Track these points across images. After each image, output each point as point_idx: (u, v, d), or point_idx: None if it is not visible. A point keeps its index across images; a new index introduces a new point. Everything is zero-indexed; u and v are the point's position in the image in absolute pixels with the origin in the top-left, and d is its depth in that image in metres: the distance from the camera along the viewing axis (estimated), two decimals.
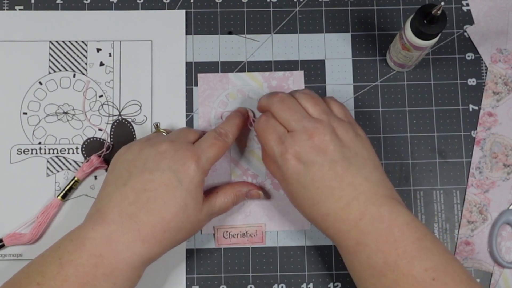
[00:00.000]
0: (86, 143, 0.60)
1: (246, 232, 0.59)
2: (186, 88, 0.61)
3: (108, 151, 0.60)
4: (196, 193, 0.51)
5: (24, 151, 0.60)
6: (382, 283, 0.47)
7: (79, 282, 0.47)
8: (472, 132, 0.61)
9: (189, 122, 0.61)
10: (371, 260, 0.47)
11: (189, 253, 0.59)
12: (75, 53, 0.62)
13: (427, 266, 0.46)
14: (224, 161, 0.60)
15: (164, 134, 0.55)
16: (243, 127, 0.58)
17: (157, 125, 0.56)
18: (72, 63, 0.61)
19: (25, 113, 0.60)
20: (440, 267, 0.46)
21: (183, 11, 0.63)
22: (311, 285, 0.59)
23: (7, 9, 0.62)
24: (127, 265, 0.48)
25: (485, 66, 0.62)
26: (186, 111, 0.61)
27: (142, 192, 0.49)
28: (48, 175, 0.60)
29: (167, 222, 0.49)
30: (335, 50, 0.63)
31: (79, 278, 0.47)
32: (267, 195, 0.59)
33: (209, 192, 0.56)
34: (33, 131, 0.60)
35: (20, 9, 0.62)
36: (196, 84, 0.62)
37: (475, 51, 0.63)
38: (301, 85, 0.62)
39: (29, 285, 0.47)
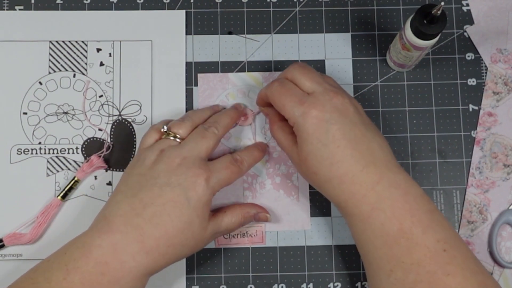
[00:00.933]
0: (86, 143, 0.60)
1: (246, 232, 0.59)
2: (186, 88, 0.62)
3: (108, 151, 0.60)
4: (202, 212, 0.51)
5: (24, 151, 0.60)
6: (394, 252, 0.47)
7: None
8: (472, 132, 0.61)
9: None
10: (385, 227, 0.47)
11: None
12: (75, 53, 0.62)
13: (439, 237, 0.46)
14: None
15: (176, 140, 0.54)
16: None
17: (167, 130, 0.54)
18: (72, 63, 0.61)
19: (25, 113, 0.60)
20: (450, 240, 0.47)
21: (183, 11, 0.63)
22: (311, 285, 0.59)
23: (7, 9, 0.62)
24: (132, 275, 0.48)
25: (485, 66, 0.62)
26: (186, 111, 0.61)
27: (149, 205, 0.49)
28: (48, 175, 0.60)
29: (171, 238, 0.49)
30: (335, 50, 0.63)
31: (85, 285, 0.47)
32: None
33: (217, 210, 0.55)
34: (33, 131, 0.60)
35: (20, 9, 0.62)
36: (196, 84, 0.62)
37: (475, 51, 0.63)
38: None
39: None
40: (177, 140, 0.54)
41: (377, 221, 0.48)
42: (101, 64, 0.62)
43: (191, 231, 0.50)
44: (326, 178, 0.50)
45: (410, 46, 0.55)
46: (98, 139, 0.60)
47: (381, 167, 0.49)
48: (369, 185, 0.48)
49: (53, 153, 0.60)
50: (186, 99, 0.61)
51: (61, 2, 0.63)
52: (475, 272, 0.46)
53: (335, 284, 0.59)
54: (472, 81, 0.62)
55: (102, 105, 0.61)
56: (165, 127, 0.54)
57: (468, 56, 0.63)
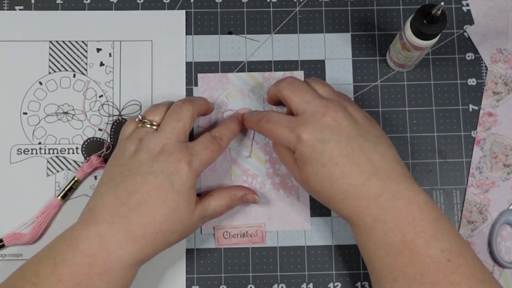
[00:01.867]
0: (86, 143, 0.60)
1: (246, 232, 0.59)
2: (186, 88, 0.62)
3: (108, 151, 0.60)
4: (188, 196, 0.51)
5: (24, 151, 0.60)
6: (397, 262, 0.47)
7: (74, 282, 0.47)
8: (472, 132, 0.61)
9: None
10: (388, 238, 0.47)
11: (189, 253, 0.59)
12: (75, 53, 0.62)
13: (443, 247, 0.46)
14: (224, 161, 0.60)
15: (152, 127, 0.53)
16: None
17: (142, 118, 0.54)
18: (72, 63, 0.61)
19: (25, 113, 0.60)
20: (455, 249, 0.46)
21: (183, 11, 0.63)
22: (311, 285, 0.59)
23: (7, 9, 0.62)
24: (120, 264, 0.48)
25: (485, 66, 0.62)
26: None
27: (134, 194, 0.49)
28: (48, 175, 0.60)
29: (158, 224, 0.49)
30: (335, 50, 0.63)
31: (74, 277, 0.47)
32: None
33: (204, 194, 0.55)
34: (33, 131, 0.60)
35: (20, 9, 0.62)
36: (196, 84, 0.62)
37: (475, 51, 0.63)
38: None
39: (24, 285, 0.47)
40: (154, 127, 0.54)
41: (380, 232, 0.48)
42: (101, 64, 0.62)
43: (178, 216, 0.50)
44: (329, 196, 0.50)
45: (410, 46, 0.55)
46: (98, 139, 0.60)
47: (383, 178, 0.49)
48: (371, 198, 0.48)
49: (53, 153, 0.60)
50: None
51: (61, 2, 0.63)
52: (481, 280, 0.46)
53: (335, 284, 0.59)
54: (472, 81, 0.62)
55: (102, 105, 0.61)
56: (140, 116, 0.54)
57: (468, 56, 0.63)
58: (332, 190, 0.50)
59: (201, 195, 0.56)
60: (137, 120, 0.54)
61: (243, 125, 0.58)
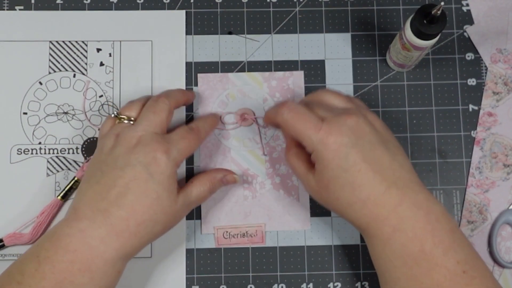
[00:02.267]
0: (86, 143, 0.60)
1: (246, 232, 0.59)
2: (186, 88, 0.62)
3: None
4: (168, 184, 0.50)
5: (24, 151, 0.60)
6: (414, 272, 0.46)
7: (56, 279, 0.47)
8: (472, 132, 0.61)
9: (189, 123, 0.61)
10: (407, 248, 0.47)
11: (189, 253, 0.59)
12: (75, 53, 0.62)
13: (459, 259, 0.46)
14: (224, 161, 0.60)
15: (129, 122, 0.54)
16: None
17: (118, 115, 0.54)
18: (72, 63, 0.61)
19: (25, 113, 0.60)
20: (470, 261, 0.46)
21: (183, 11, 0.63)
22: (311, 285, 0.59)
23: (7, 9, 0.62)
24: (103, 260, 0.48)
25: (485, 66, 0.62)
26: (186, 111, 0.61)
27: (113, 187, 0.49)
28: (48, 175, 0.60)
29: (140, 215, 0.49)
30: (335, 50, 0.63)
31: (56, 274, 0.47)
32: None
33: (185, 183, 0.55)
34: (33, 131, 0.60)
35: (20, 9, 0.62)
36: (196, 84, 0.62)
37: (475, 51, 0.63)
38: (301, 85, 0.62)
39: (9, 284, 0.47)
40: (131, 122, 0.54)
41: (398, 242, 0.47)
42: (101, 64, 0.62)
43: (160, 205, 0.50)
44: (349, 203, 0.49)
45: (410, 46, 0.55)
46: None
47: (403, 187, 0.48)
48: (391, 207, 0.48)
49: (53, 153, 0.60)
50: None
51: (61, 2, 0.63)
52: None
53: (335, 284, 0.59)
54: (472, 81, 0.62)
55: (102, 105, 0.61)
56: (115, 112, 0.55)
57: (468, 56, 0.63)
58: (353, 197, 0.48)
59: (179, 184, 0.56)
60: (113, 116, 0.55)
61: (242, 124, 0.58)
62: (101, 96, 0.61)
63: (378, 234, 0.48)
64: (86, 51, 0.62)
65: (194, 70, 0.62)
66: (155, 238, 0.51)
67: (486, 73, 0.62)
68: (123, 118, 0.54)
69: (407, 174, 0.49)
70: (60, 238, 0.48)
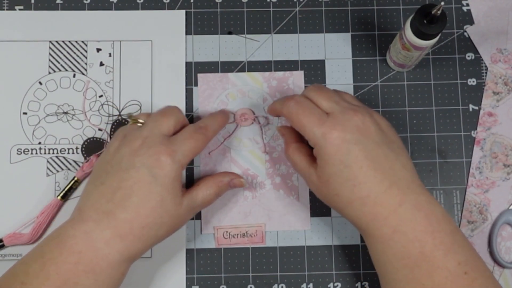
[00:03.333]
0: (86, 143, 0.60)
1: (246, 232, 0.59)
2: (186, 88, 0.62)
3: None
4: (173, 187, 0.50)
5: (24, 151, 0.60)
6: (414, 274, 0.46)
7: (61, 280, 0.47)
8: (472, 132, 0.61)
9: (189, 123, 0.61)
10: (407, 250, 0.47)
11: (189, 253, 0.59)
12: (75, 53, 0.62)
13: (460, 260, 0.46)
14: (224, 161, 0.60)
15: (137, 124, 0.54)
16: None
17: (130, 116, 0.55)
18: (72, 63, 0.61)
19: (25, 113, 0.60)
20: (471, 262, 0.46)
21: (183, 11, 0.63)
22: (311, 285, 0.59)
23: (7, 9, 0.62)
24: (107, 262, 0.48)
25: (485, 66, 0.62)
26: (186, 111, 0.61)
27: (118, 190, 0.49)
28: (48, 175, 0.60)
29: (144, 218, 0.49)
30: (335, 50, 0.63)
31: (61, 275, 0.47)
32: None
33: (190, 185, 0.55)
34: (33, 131, 0.60)
35: (20, 9, 0.62)
36: (196, 84, 0.62)
37: (475, 51, 0.63)
38: (301, 85, 0.62)
39: (13, 284, 0.47)
40: (139, 125, 0.54)
41: (399, 243, 0.47)
42: (101, 64, 0.62)
43: (164, 208, 0.50)
44: (348, 200, 0.49)
45: (410, 46, 0.55)
46: (98, 139, 0.60)
47: (403, 188, 0.48)
48: (391, 207, 0.48)
49: (53, 153, 0.60)
50: (186, 99, 0.61)
51: (61, 2, 0.63)
52: None
53: (335, 284, 0.59)
54: (472, 81, 0.62)
55: (102, 105, 0.61)
56: (126, 116, 0.55)
57: (468, 56, 0.63)
58: (353, 194, 0.48)
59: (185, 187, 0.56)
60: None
61: (242, 124, 0.58)
62: (101, 96, 0.61)
63: (378, 234, 0.48)
64: (86, 51, 0.62)
65: (194, 70, 0.62)
66: (159, 240, 0.51)
67: (486, 73, 0.62)
68: (135, 120, 0.54)
69: (410, 175, 0.49)
70: (65, 240, 0.48)
